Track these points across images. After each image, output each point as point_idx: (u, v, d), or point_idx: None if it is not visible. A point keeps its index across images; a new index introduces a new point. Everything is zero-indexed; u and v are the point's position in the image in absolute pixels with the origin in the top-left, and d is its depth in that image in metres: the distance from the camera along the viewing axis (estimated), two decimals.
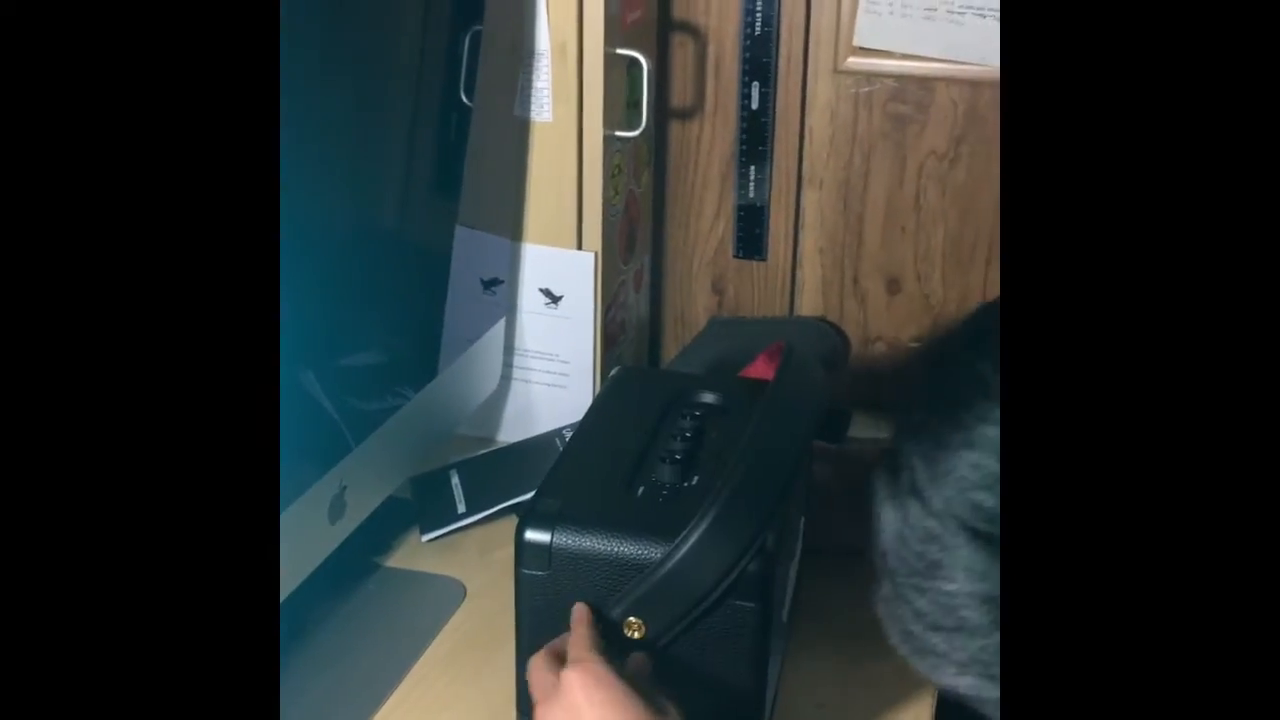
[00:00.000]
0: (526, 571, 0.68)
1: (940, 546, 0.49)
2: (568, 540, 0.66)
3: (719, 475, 0.72)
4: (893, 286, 1.15)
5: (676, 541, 0.64)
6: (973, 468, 0.48)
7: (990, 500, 0.47)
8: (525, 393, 1.08)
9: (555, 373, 1.07)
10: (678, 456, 0.72)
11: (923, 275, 1.14)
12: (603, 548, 0.66)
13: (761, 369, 0.94)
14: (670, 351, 1.22)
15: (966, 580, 0.48)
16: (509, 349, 1.07)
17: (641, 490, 0.71)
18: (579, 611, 0.66)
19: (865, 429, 1.09)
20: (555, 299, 1.05)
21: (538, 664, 0.66)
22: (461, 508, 0.97)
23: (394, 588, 0.90)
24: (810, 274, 1.17)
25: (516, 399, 1.08)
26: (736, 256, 1.18)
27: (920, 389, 0.55)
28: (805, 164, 1.13)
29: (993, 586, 0.47)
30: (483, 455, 1.06)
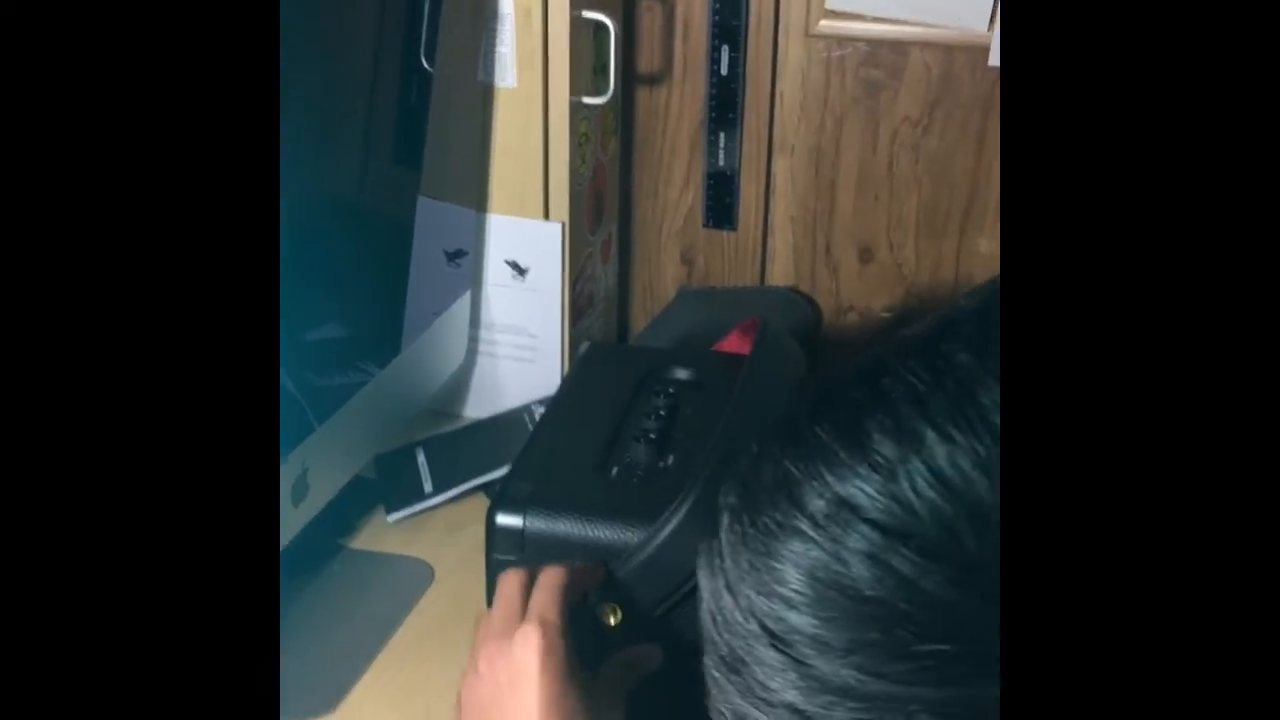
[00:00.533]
0: (498, 556, 0.66)
1: (746, 645, 0.41)
2: (540, 524, 0.64)
3: (696, 456, 0.70)
4: (865, 255, 1.13)
5: (655, 526, 0.62)
6: (784, 584, 0.40)
7: (797, 619, 0.39)
8: (492, 367, 1.05)
9: (523, 347, 1.04)
10: (652, 436, 0.70)
11: (895, 244, 1.12)
12: (576, 532, 0.64)
13: (735, 343, 0.92)
14: (639, 324, 1.20)
15: (780, 688, 0.41)
16: (474, 323, 1.04)
17: (615, 471, 0.69)
18: (554, 576, 0.61)
19: None
20: (522, 271, 1.02)
21: (511, 587, 0.61)
22: (428, 487, 0.95)
23: (360, 570, 0.88)
24: (781, 243, 1.15)
25: (483, 374, 1.06)
26: (706, 226, 1.16)
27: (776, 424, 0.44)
28: (776, 130, 1.11)
29: (803, 699, 0.40)
30: (449, 432, 1.03)
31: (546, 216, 1.00)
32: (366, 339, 0.97)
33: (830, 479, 0.39)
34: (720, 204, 1.14)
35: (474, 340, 1.05)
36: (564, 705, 0.56)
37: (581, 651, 0.59)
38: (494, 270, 1.02)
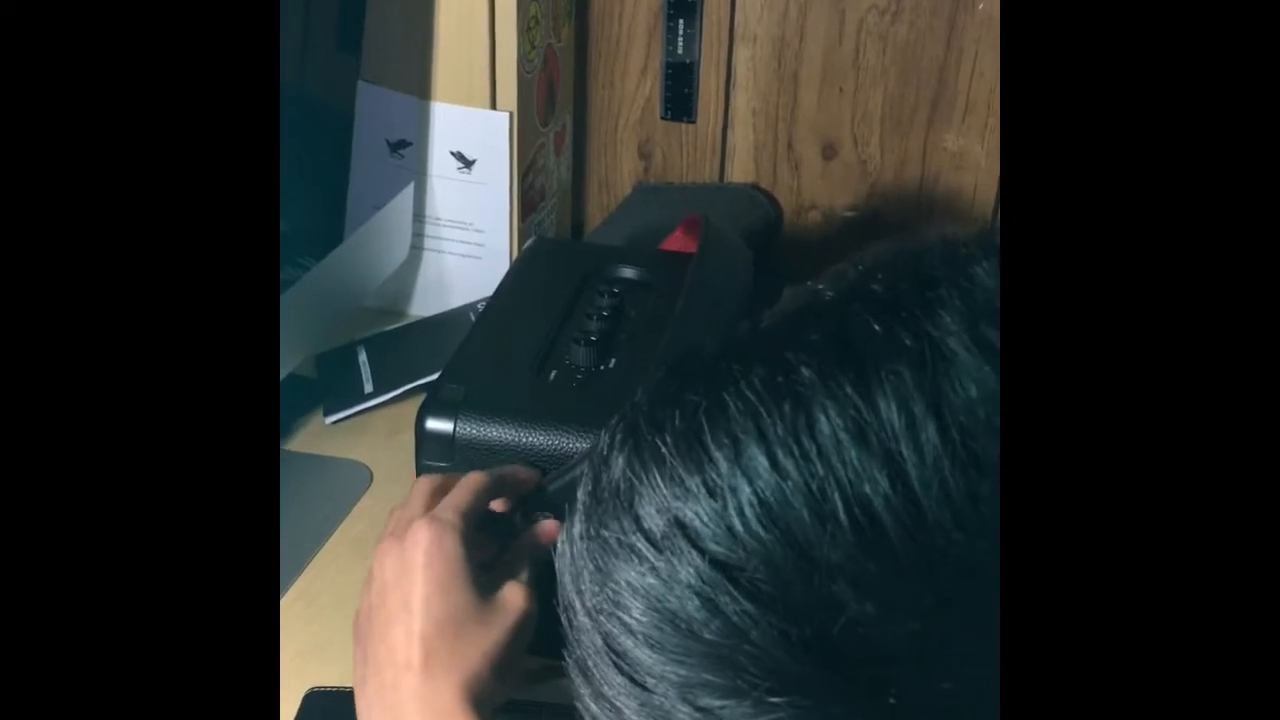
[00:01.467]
0: (428, 462, 0.63)
1: (593, 657, 0.38)
2: (471, 429, 0.61)
3: (638, 359, 0.67)
4: (828, 151, 1.09)
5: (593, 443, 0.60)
6: (622, 608, 0.36)
7: (635, 648, 0.35)
8: (438, 264, 1.01)
9: (469, 243, 1.00)
10: (593, 338, 0.67)
11: (860, 139, 1.08)
12: (509, 437, 0.61)
13: (680, 242, 0.88)
14: (595, 219, 1.16)
15: (626, 709, 0.37)
16: (419, 217, 1.00)
17: (554, 374, 0.65)
18: (472, 479, 0.58)
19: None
20: (468, 163, 0.98)
21: (420, 490, 0.59)
22: (368, 387, 0.91)
23: (296, 472, 0.85)
24: (742, 137, 1.10)
25: (428, 271, 1.02)
26: (664, 118, 1.11)
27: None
28: (738, 18, 1.06)
29: None
30: (391, 331, 1.00)
31: (494, 105, 0.95)
32: (305, 230, 0.93)
33: (667, 494, 0.35)
34: (679, 95, 1.10)
35: (419, 235, 1.01)
36: (446, 601, 0.54)
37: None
38: (439, 162, 0.98)
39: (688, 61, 1.08)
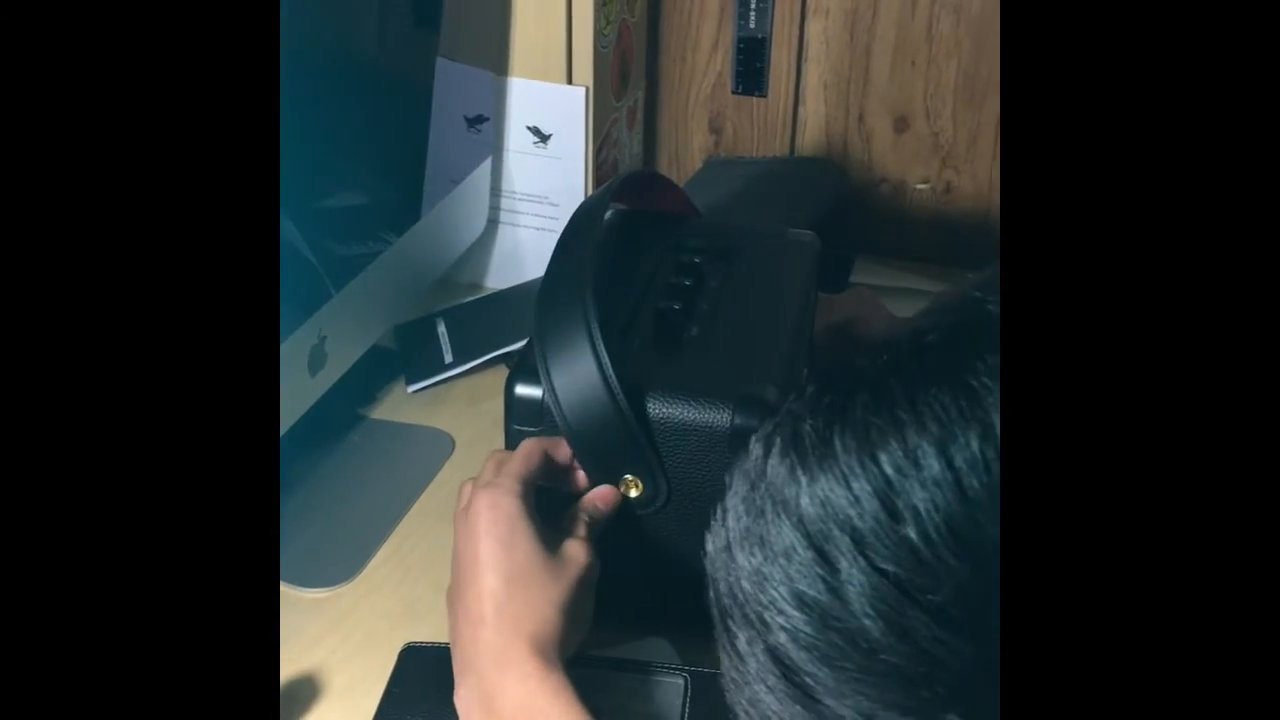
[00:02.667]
0: (517, 427, 0.64)
1: (747, 649, 0.37)
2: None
3: (719, 328, 0.68)
4: (900, 124, 1.09)
5: (674, 398, 0.61)
6: (776, 608, 0.35)
7: (794, 650, 0.34)
8: (513, 236, 1.03)
9: (544, 216, 1.02)
10: (676, 307, 0.68)
11: (932, 113, 1.08)
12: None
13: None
14: None
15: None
16: (495, 191, 1.02)
17: (638, 341, 0.67)
18: (530, 446, 0.62)
19: (867, 275, 1.05)
20: (544, 137, 0.99)
21: (487, 464, 0.62)
22: (448, 357, 0.93)
23: (380, 440, 0.87)
24: (813, 111, 1.11)
25: (504, 243, 1.03)
26: (735, 92, 1.12)
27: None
28: None
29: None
30: (470, 302, 1.02)
31: (570, 80, 0.96)
32: (385, 205, 0.95)
33: (840, 498, 0.34)
34: (750, 69, 1.10)
35: (495, 209, 1.02)
36: (510, 558, 0.57)
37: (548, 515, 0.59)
38: (515, 136, 0.99)
39: (759, 36, 1.08)
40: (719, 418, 0.61)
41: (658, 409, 0.62)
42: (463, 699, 0.56)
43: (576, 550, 0.59)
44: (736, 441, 0.61)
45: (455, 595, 0.59)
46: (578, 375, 0.60)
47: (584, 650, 0.65)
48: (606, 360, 0.60)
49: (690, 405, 0.61)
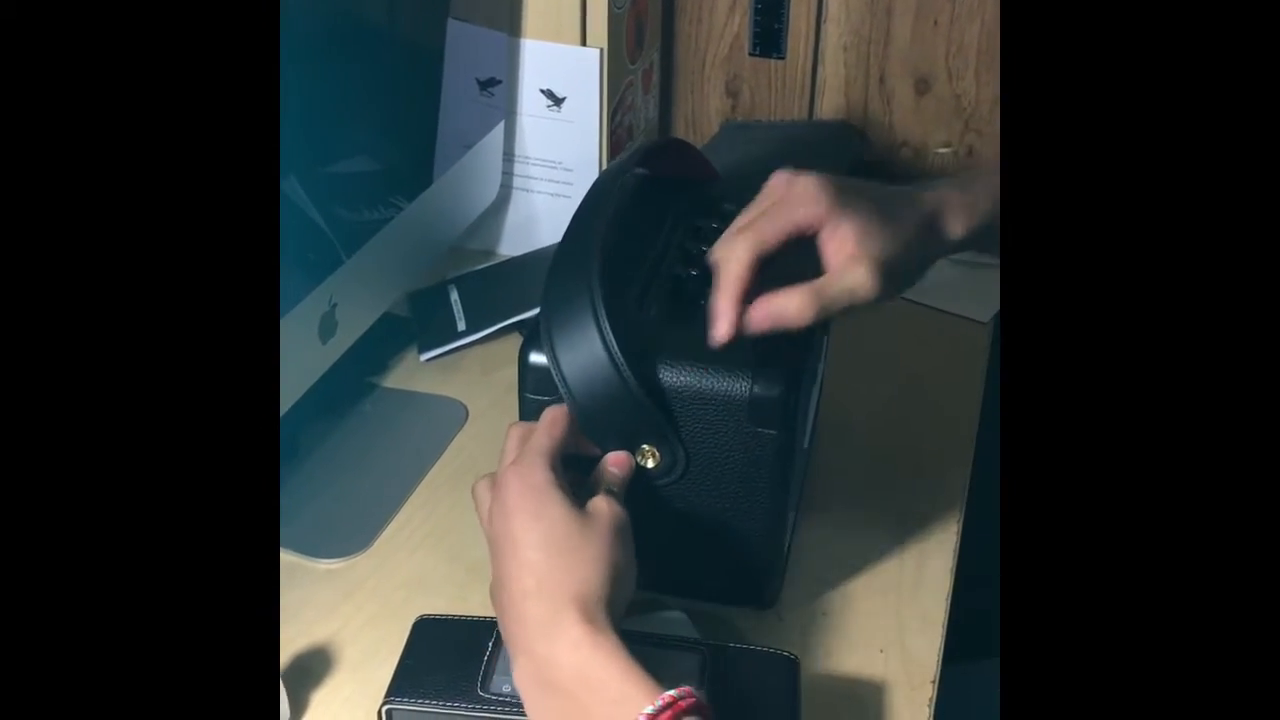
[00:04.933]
0: (531, 396, 0.63)
1: None
2: None
3: None
4: (921, 86, 1.07)
5: (691, 366, 0.59)
6: None
7: None
8: (527, 202, 1.01)
9: (559, 181, 1.00)
10: (694, 272, 0.66)
11: (955, 74, 1.05)
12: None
13: None
14: None
15: None
16: (509, 156, 1.00)
17: (654, 309, 0.65)
18: (550, 416, 0.60)
19: None
20: (558, 101, 0.97)
21: (510, 440, 0.61)
22: (461, 325, 0.92)
23: (393, 409, 0.86)
24: (832, 73, 1.08)
25: (518, 209, 1.02)
26: (752, 54, 1.09)
27: None
28: None
29: None
30: (483, 270, 1.00)
31: (584, 42, 0.94)
32: (396, 170, 0.93)
33: None
34: (768, 30, 1.08)
35: (508, 174, 1.01)
36: (542, 526, 0.55)
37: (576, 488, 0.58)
38: (528, 100, 0.97)
39: None
40: (737, 386, 0.59)
41: (674, 378, 0.60)
42: (520, 678, 0.55)
43: (602, 504, 0.58)
44: (755, 410, 0.60)
45: (497, 582, 0.57)
46: (582, 352, 0.59)
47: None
48: (611, 337, 0.58)
49: (707, 374, 0.60)
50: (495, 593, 0.57)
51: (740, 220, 0.66)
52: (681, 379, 0.60)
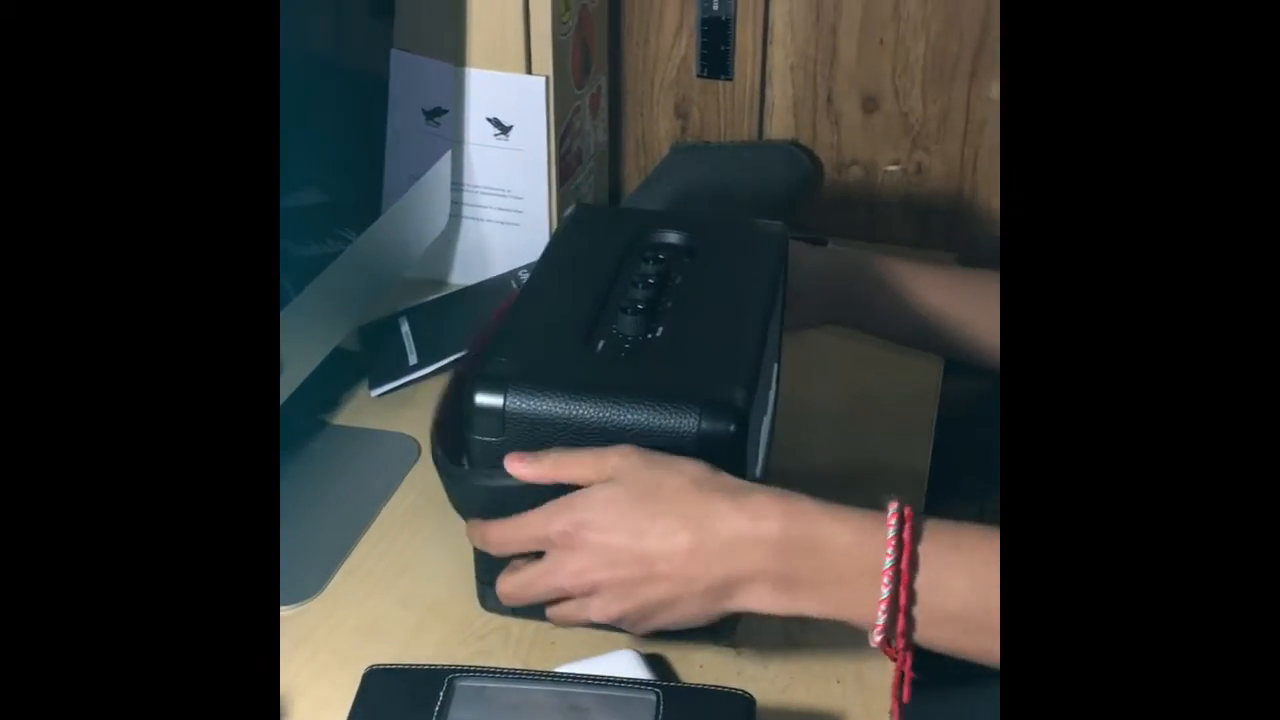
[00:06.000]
0: (479, 438, 0.62)
1: None
2: (522, 403, 0.61)
3: (685, 326, 0.66)
4: (869, 105, 1.07)
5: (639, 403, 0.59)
6: None
7: None
8: (477, 231, 1.01)
9: (508, 209, 0.99)
10: (640, 306, 0.66)
11: (902, 92, 1.06)
12: (559, 410, 0.60)
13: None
14: (632, 182, 1.14)
15: None
16: (457, 185, 0.99)
17: (601, 345, 0.65)
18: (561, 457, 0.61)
19: None
20: (505, 129, 0.96)
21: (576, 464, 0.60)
22: (413, 359, 0.91)
23: (343, 447, 0.85)
24: (780, 93, 1.09)
25: (468, 238, 1.01)
26: (700, 76, 1.09)
27: None
28: None
29: None
30: (434, 300, 0.99)
31: (529, 70, 0.94)
32: (343, 203, 0.92)
33: None
34: (715, 52, 1.08)
35: (457, 203, 1.00)
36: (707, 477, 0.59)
37: None
38: (475, 129, 0.97)
39: (723, 17, 1.06)
40: (686, 422, 0.59)
41: (622, 415, 0.60)
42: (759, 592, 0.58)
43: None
44: (704, 445, 0.59)
45: (645, 588, 0.59)
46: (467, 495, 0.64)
47: (550, 666, 0.64)
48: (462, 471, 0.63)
49: (655, 410, 0.59)
50: (662, 555, 0.58)
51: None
52: (630, 416, 0.60)
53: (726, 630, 0.67)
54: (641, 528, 0.58)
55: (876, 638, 0.58)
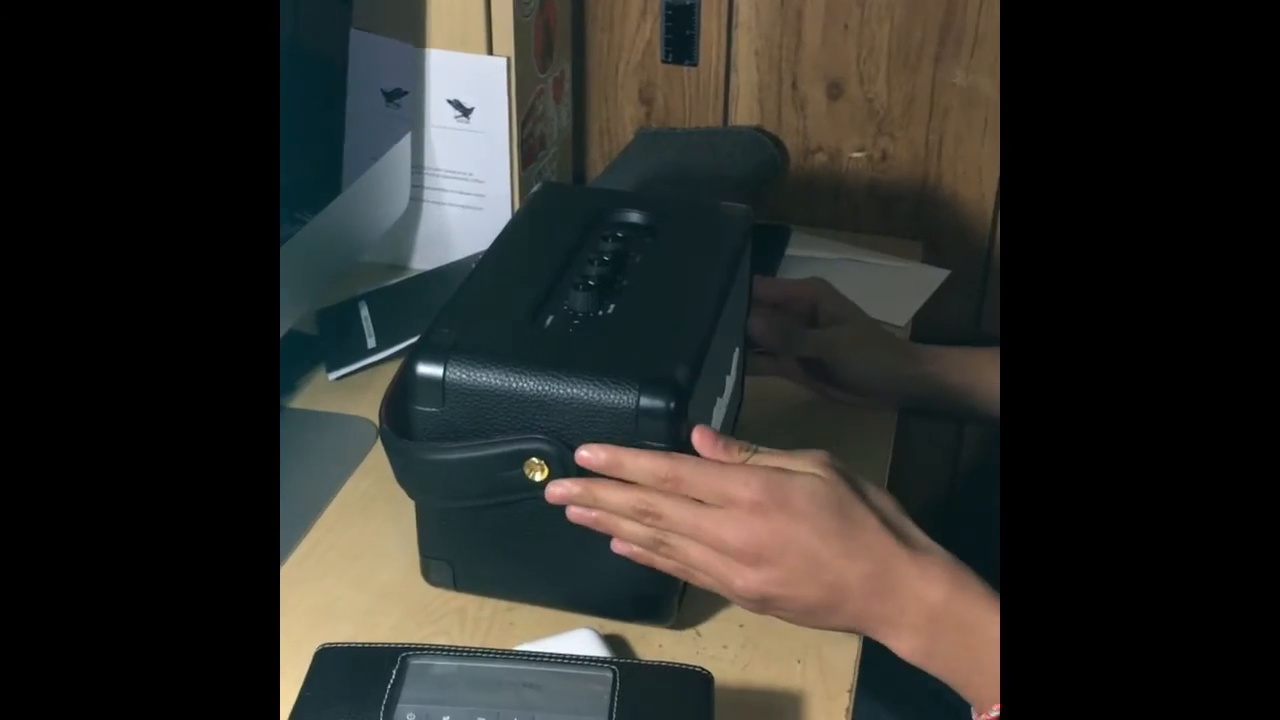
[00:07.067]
0: (419, 408, 0.61)
1: None
2: (462, 374, 0.60)
3: (638, 304, 0.65)
4: (834, 91, 1.07)
5: (579, 377, 0.58)
6: None
7: None
8: (438, 215, 1.00)
9: (469, 193, 0.98)
10: (591, 282, 0.65)
11: (866, 77, 1.05)
12: (499, 383, 0.59)
13: None
14: (597, 168, 1.14)
15: None
16: (418, 168, 0.98)
17: (550, 320, 0.64)
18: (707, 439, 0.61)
19: (804, 246, 1.03)
20: (466, 111, 0.95)
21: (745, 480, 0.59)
22: (371, 342, 0.90)
23: (301, 430, 0.83)
24: (745, 79, 1.08)
25: (429, 222, 1.00)
26: (665, 61, 1.09)
27: None
28: None
29: None
30: (393, 285, 0.98)
31: (490, 51, 0.93)
32: (301, 183, 0.91)
33: None
34: (680, 37, 1.07)
35: (418, 187, 0.99)
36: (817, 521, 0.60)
37: None
38: (436, 110, 0.96)
39: (688, 3, 1.05)
40: (625, 398, 0.58)
41: (564, 389, 0.59)
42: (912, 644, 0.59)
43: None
44: (643, 421, 0.58)
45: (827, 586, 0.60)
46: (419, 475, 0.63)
47: (508, 647, 0.63)
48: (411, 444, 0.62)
49: (596, 385, 0.59)
50: (833, 568, 0.59)
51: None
52: (571, 390, 0.59)
53: (666, 612, 0.66)
54: (827, 532, 0.59)
55: (981, 718, 0.59)
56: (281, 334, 0.84)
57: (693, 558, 0.60)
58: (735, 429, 0.78)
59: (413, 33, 0.93)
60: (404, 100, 0.95)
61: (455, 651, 0.59)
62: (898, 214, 1.09)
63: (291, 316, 0.86)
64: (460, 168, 0.98)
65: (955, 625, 0.59)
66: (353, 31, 0.93)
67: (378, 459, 0.81)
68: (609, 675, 0.58)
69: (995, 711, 0.57)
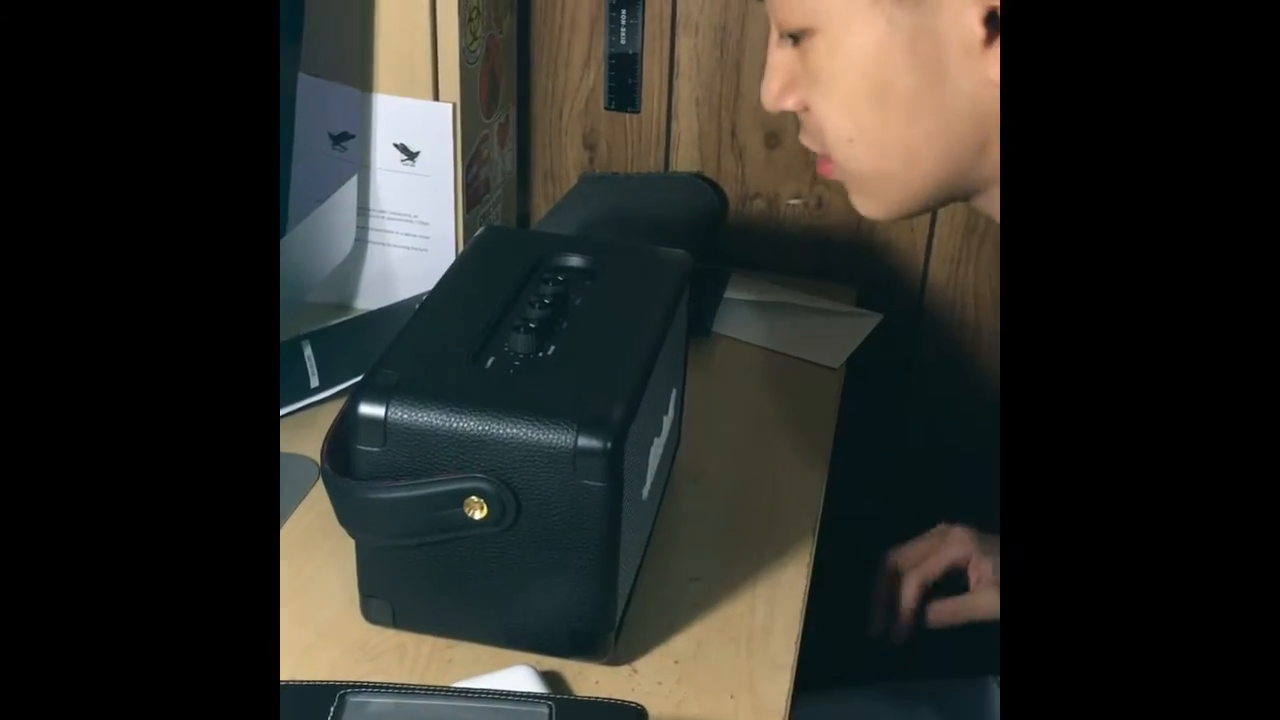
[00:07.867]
0: (361, 447, 0.62)
1: None
2: (403, 414, 0.61)
3: (578, 346, 0.67)
4: (771, 140, 1.10)
5: (519, 418, 0.60)
6: None
7: None
8: (383, 256, 1.01)
9: (414, 235, 1.00)
10: (532, 325, 0.67)
11: None
12: (440, 423, 0.61)
13: None
14: (541, 211, 1.16)
15: None
16: (363, 210, 0.99)
17: (491, 361, 0.65)
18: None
19: (742, 290, 1.05)
20: (411, 155, 0.97)
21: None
22: (315, 381, 0.91)
23: None
24: (686, 127, 1.11)
25: (374, 264, 1.01)
26: (608, 108, 1.11)
27: None
28: (680, 8, 1.06)
29: None
30: (337, 324, 0.99)
31: (436, 97, 0.95)
32: None
33: None
34: (623, 85, 1.10)
35: (363, 228, 1.00)
36: None
37: None
38: (382, 154, 0.97)
39: (630, 52, 1.08)
40: (563, 438, 0.60)
41: (502, 429, 0.60)
42: None
43: None
44: (580, 461, 0.60)
45: None
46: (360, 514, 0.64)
47: (448, 681, 0.64)
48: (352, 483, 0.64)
49: (536, 425, 0.60)
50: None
51: (911, 554, 0.94)
52: (511, 430, 0.60)
53: (603, 648, 0.67)
54: None
55: None
56: None
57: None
58: (671, 469, 0.80)
59: (360, 77, 0.95)
60: (350, 143, 0.97)
61: (393, 689, 0.60)
62: (833, 259, 1.12)
63: None
64: (405, 210, 0.99)
65: None
66: (301, 75, 0.95)
67: (319, 497, 0.82)
68: (545, 711, 0.59)
69: None
